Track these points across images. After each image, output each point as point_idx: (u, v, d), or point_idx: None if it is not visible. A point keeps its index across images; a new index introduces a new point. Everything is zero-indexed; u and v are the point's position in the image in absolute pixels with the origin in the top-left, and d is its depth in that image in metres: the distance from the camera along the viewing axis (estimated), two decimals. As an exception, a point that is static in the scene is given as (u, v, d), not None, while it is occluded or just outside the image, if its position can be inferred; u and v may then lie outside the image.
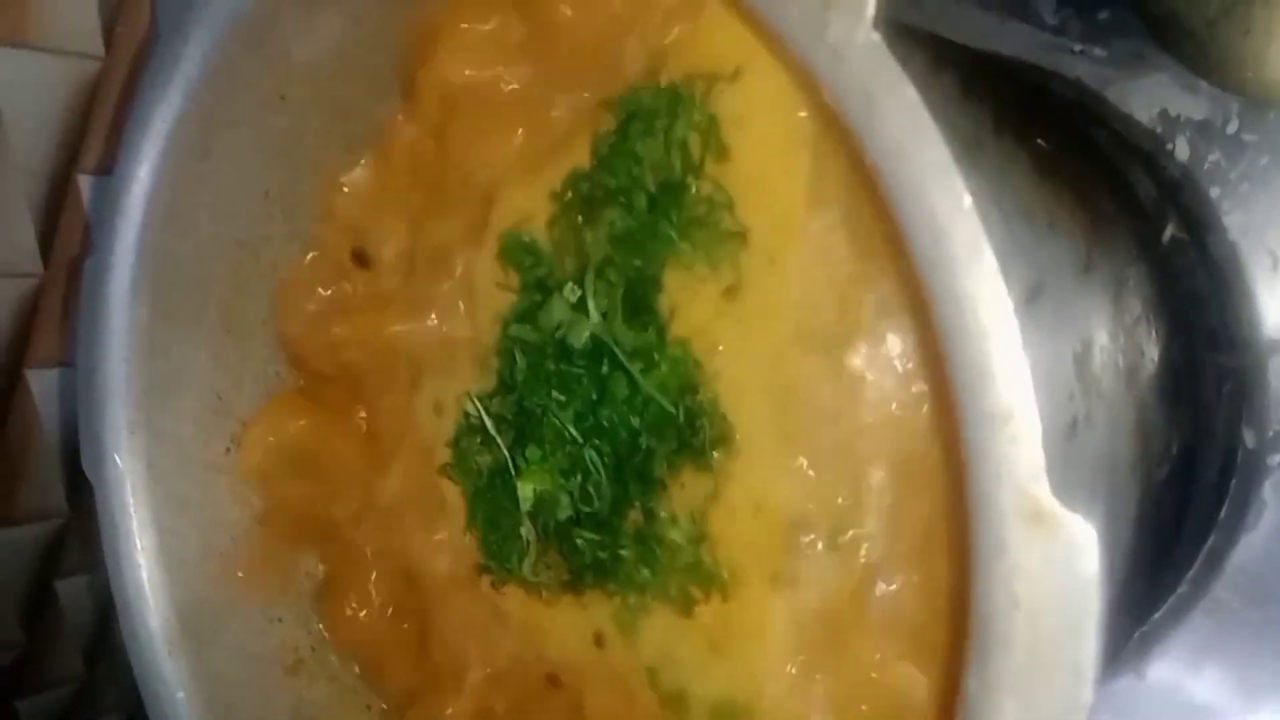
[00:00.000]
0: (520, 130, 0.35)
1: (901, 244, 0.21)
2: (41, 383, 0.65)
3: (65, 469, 0.69)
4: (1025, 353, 0.20)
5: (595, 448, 0.33)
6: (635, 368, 0.32)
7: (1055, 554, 0.19)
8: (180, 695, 0.38)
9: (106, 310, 0.38)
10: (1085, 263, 0.30)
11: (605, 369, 0.33)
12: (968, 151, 0.26)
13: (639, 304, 0.33)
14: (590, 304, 0.33)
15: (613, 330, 0.33)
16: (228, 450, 0.42)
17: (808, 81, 0.22)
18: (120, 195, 0.37)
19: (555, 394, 0.34)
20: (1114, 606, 0.32)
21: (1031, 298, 0.24)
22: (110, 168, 0.61)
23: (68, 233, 0.62)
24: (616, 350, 0.32)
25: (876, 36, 0.21)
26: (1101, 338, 0.29)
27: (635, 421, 0.33)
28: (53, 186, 0.60)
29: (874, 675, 0.28)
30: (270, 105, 0.38)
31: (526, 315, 0.35)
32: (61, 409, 0.67)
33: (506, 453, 0.35)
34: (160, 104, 0.36)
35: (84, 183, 0.61)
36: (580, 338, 0.33)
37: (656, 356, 0.32)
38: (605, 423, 0.33)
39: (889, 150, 0.20)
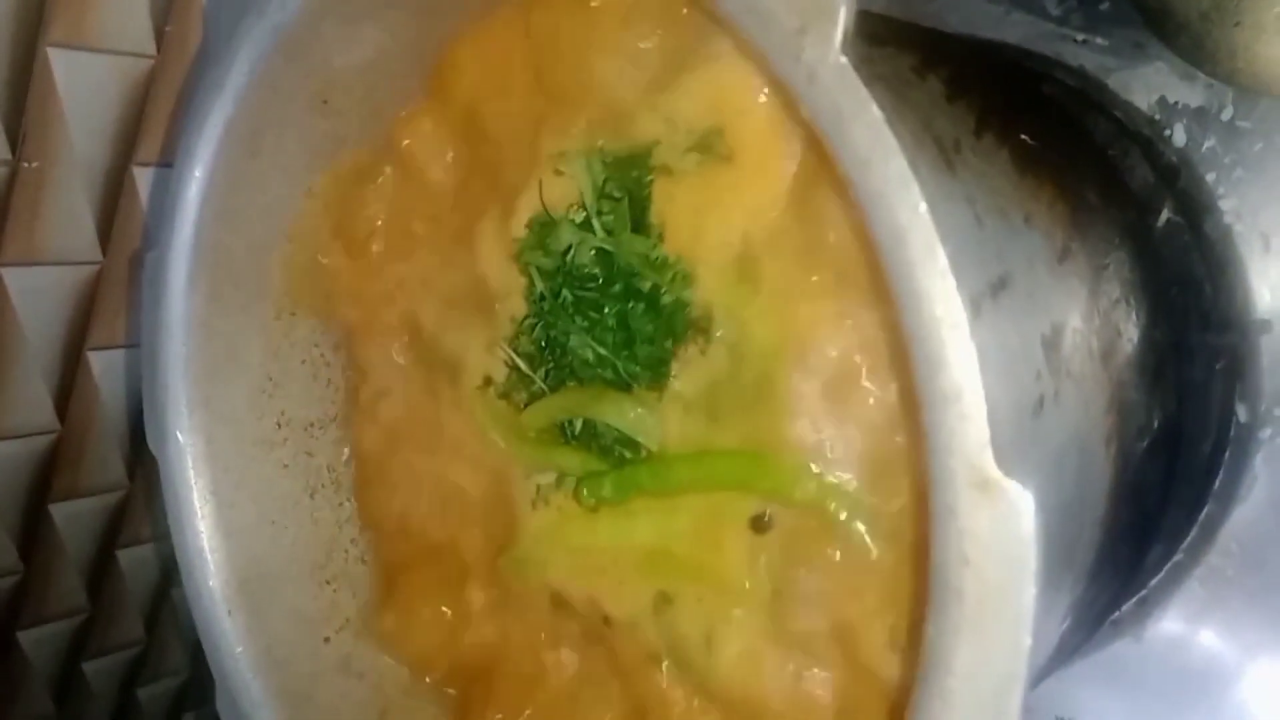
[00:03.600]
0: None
1: (869, 244, 0.24)
2: (102, 364, 0.69)
3: (125, 445, 0.73)
4: (975, 340, 0.23)
5: (625, 359, 0.36)
6: (648, 279, 0.35)
7: (998, 518, 0.22)
8: (239, 650, 0.41)
9: (166, 301, 0.41)
10: (1061, 253, 0.32)
11: (619, 288, 0.36)
12: (945, 154, 0.28)
13: (639, 218, 0.35)
14: (595, 222, 0.36)
15: (622, 244, 0.35)
16: (278, 426, 0.45)
17: (787, 97, 0.25)
18: (177, 194, 0.40)
19: (578, 320, 0.36)
20: (1090, 570, 0.35)
21: (998, 289, 0.27)
22: (164, 160, 0.65)
23: (125, 222, 0.65)
24: (633, 262, 0.35)
25: (845, 60, 0.23)
26: (1074, 322, 0.32)
27: (651, 328, 0.35)
28: (110, 178, 0.64)
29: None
30: (313, 109, 0.41)
31: (536, 243, 0.37)
32: (122, 388, 0.71)
33: (543, 384, 0.38)
34: (213, 109, 0.39)
35: (139, 174, 0.65)
36: (586, 254, 0.36)
37: (664, 266, 0.35)
38: (632, 337, 0.36)
39: (856, 162, 0.23)
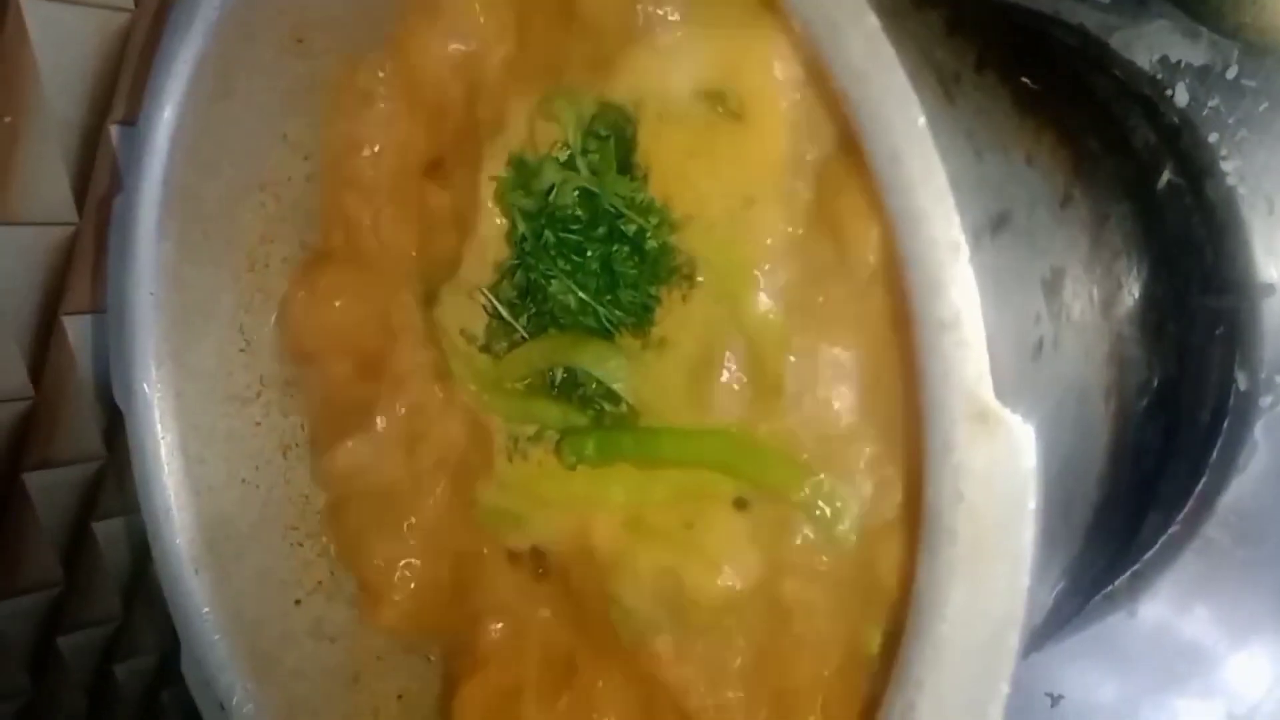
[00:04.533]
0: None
1: (866, 165, 0.22)
2: (78, 329, 0.67)
3: (102, 413, 0.71)
4: (974, 266, 0.22)
5: (608, 304, 0.35)
6: (633, 224, 0.33)
7: (997, 451, 0.21)
8: (206, 611, 0.40)
9: (134, 247, 0.39)
10: (1063, 198, 0.31)
11: (602, 230, 0.34)
12: (944, 84, 0.27)
13: (625, 159, 0.34)
14: (580, 161, 0.34)
15: (606, 184, 0.34)
16: (253, 382, 0.44)
17: (780, 11, 0.24)
18: (146, 135, 0.39)
19: (559, 262, 0.35)
20: (1087, 530, 0.33)
21: (998, 225, 0.26)
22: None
23: (101, 182, 0.64)
24: (616, 204, 0.34)
25: (840, -33, 0.22)
26: (1075, 269, 0.30)
27: (635, 273, 0.34)
28: (86, 137, 0.62)
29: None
30: (288, 49, 0.39)
31: (517, 183, 0.36)
32: (96, 354, 0.69)
33: (523, 331, 0.37)
34: (182, 45, 0.37)
35: (115, 133, 0.63)
36: (569, 195, 0.34)
37: (649, 210, 0.34)
38: (615, 281, 0.34)
39: (851, 74, 0.22)
